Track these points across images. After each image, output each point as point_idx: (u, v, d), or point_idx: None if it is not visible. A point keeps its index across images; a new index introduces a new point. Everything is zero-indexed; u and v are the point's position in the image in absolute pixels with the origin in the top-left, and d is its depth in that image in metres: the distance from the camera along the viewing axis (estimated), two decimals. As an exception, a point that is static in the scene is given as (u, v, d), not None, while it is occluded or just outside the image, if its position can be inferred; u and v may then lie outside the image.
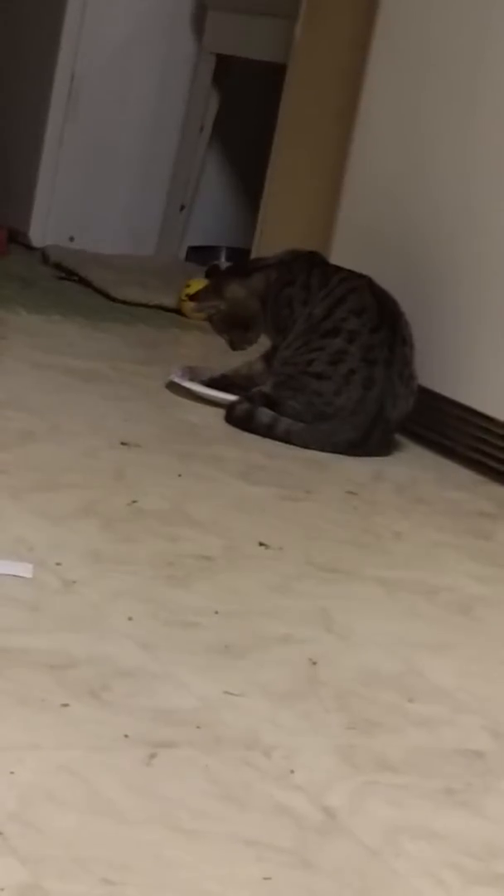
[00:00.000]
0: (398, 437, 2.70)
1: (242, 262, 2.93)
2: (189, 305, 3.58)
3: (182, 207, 4.25)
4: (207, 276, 3.69)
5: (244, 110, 4.22)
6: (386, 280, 2.66)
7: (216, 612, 1.72)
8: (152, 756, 1.34)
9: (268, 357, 2.73)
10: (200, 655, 1.59)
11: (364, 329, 2.58)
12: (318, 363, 2.58)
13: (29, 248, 4.15)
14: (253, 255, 3.55)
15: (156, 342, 3.31)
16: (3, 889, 1.09)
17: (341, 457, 2.56)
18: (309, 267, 2.70)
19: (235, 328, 2.78)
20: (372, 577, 1.97)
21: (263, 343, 2.79)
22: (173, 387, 2.79)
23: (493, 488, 2.55)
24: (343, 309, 2.60)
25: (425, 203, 2.84)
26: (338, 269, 2.71)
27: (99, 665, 1.51)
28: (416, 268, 2.83)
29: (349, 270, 2.68)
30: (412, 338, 2.62)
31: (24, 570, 1.72)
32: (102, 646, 1.56)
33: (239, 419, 2.61)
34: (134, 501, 2.08)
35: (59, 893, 1.10)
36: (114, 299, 3.64)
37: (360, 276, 2.66)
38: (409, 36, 2.95)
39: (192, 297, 2.91)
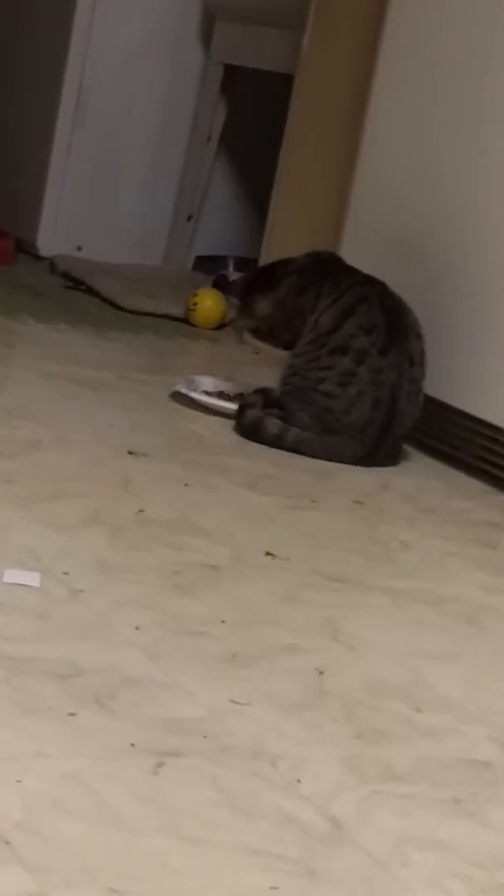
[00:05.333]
0: (406, 446, 2.69)
1: (265, 270, 2.89)
2: (196, 315, 3.59)
3: (189, 217, 4.25)
4: (215, 285, 3.72)
5: (252, 120, 4.23)
6: (394, 289, 2.66)
7: (223, 622, 1.72)
8: (159, 765, 1.34)
9: None
10: (207, 665, 1.59)
11: (373, 350, 2.57)
12: (328, 383, 2.58)
13: (37, 257, 4.16)
14: (260, 264, 3.55)
15: (163, 351, 3.31)
16: (9, 898, 1.09)
17: (348, 466, 2.56)
18: (322, 274, 2.69)
19: (269, 338, 2.81)
20: (379, 586, 1.97)
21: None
22: (179, 396, 2.79)
23: (501, 498, 2.55)
24: (352, 324, 2.59)
25: (434, 213, 2.85)
26: (352, 273, 2.69)
27: (106, 674, 1.51)
28: (424, 278, 2.83)
29: (364, 276, 2.67)
30: (423, 354, 2.61)
31: (32, 579, 1.72)
32: (109, 655, 1.56)
33: (247, 429, 2.61)
34: (141, 510, 2.08)
35: (66, 902, 1.10)
36: (121, 309, 3.64)
37: (373, 284, 2.65)
38: (417, 45, 2.96)
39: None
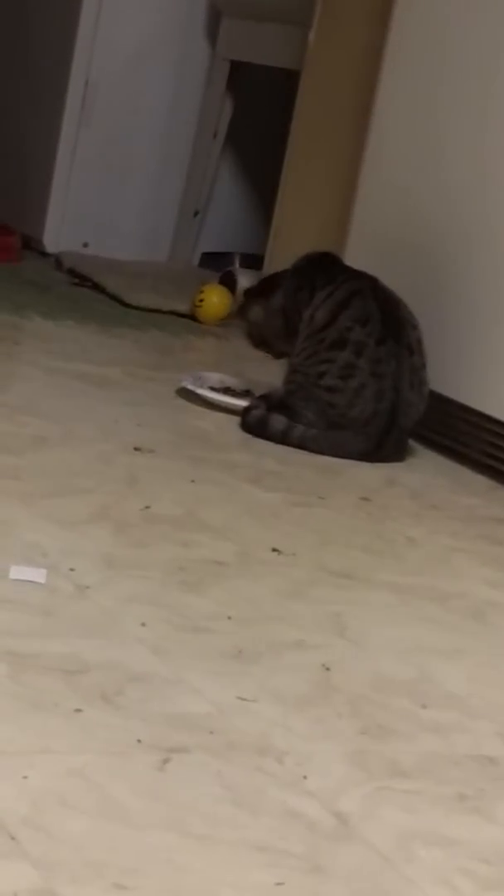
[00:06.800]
0: (411, 442, 2.69)
1: (269, 279, 2.93)
2: (202, 311, 3.59)
3: (196, 213, 4.25)
4: (222, 282, 3.72)
5: (258, 116, 4.23)
6: (400, 285, 2.66)
7: (229, 618, 1.72)
8: (165, 761, 1.34)
9: None
10: (213, 661, 1.59)
11: (370, 341, 2.57)
12: (330, 377, 2.58)
13: (43, 254, 4.16)
14: (266, 261, 3.56)
15: (169, 348, 3.31)
16: (16, 893, 1.09)
17: (354, 463, 2.56)
18: (316, 269, 2.71)
19: (262, 345, 2.83)
20: (385, 582, 1.97)
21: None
22: (186, 392, 2.79)
23: (507, 494, 2.55)
24: (346, 316, 2.59)
25: (440, 208, 2.85)
26: (344, 268, 2.71)
27: (112, 670, 1.51)
28: (430, 273, 2.83)
29: (355, 271, 2.69)
30: (420, 343, 2.62)
31: (38, 575, 1.73)
32: (115, 651, 1.57)
33: (253, 426, 2.61)
34: (147, 507, 2.08)
35: (72, 898, 1.10)
36: (127, 305, 3.64)
37: (364, 277, 2.66)
38: (423, 41, 2.95)
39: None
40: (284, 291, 2.74)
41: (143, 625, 1.65)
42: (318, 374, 2.59)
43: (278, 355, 2.82)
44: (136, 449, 2.38)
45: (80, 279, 3.86)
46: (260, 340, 2.84)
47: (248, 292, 2.95)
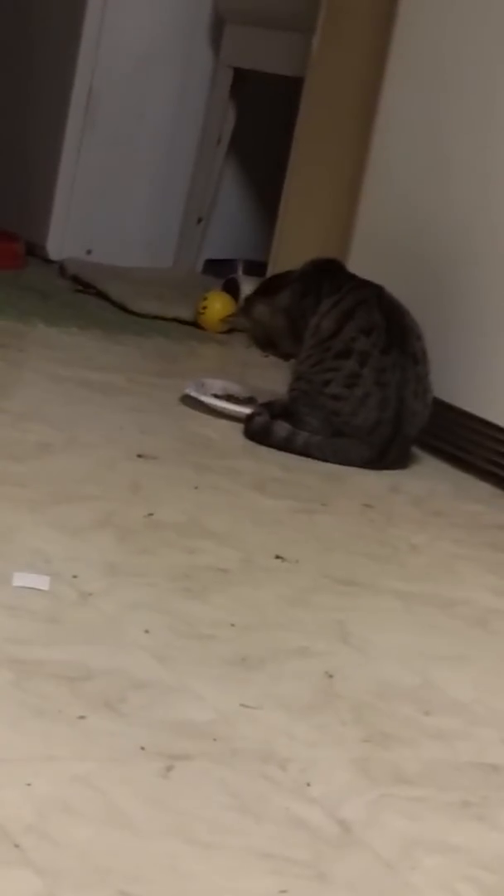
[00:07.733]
0: (415, 449, 2.69)
1: (272, 279, 2.93)
2: (206, 318, 3.59)
3: (199, 220, 4.25)
4: (225, 288, 3.72)
5: (261, 123, 4.23)
6: (403, 292, 2.66)
7: (232, 625, 1.72)
8: (168, 768, 1.34)
9: None
10: (217, 668, 1.59)
11: (374, 350, 2.57)
12: (335, 385, 2.58)
13: (46, 260, 4.16)
14: (270, 268, 3.56)
15: (173, 355, 3.31)
16: (19, 901, 1.09)
17: (357, 469, 2.56)
18: (323, 276, 2.71)
19: (268, 345, 2.81)
20: (388, 589, 1.97)
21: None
22: (189, 399, 2.79)
23: (510, 501, 2.55)
24: (352, 326, 2.59)
25: (443, 216, 2.85)
26: (351, 276, 2.71)
27: (115, 677, 1.51)
28: (434, 280, 2.83)
29: (362, 280, 2.68)
30: (425, 353, 2.62)
31: (41, 582, 1.73)
32: (119, 658, 1.57)
33: (256, 433, 2.61)
34: (150, 514, 2.08)
35: (75, 905, 1.10)
36: (131, 312, 3.64)
37: (371, 286, 2.66)
38: (427, 48, 2.95)
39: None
40: (291, 294, 2.73)
41: (146, 632, 1.65)
42: (324, 381, 2.59)
43: (285, 357, 2.80)
44: (139, 456, 2.38)
45: (84, 286, 3.86)
46: (266, 341, 2.82)
47: (254, 292, 2.92)
